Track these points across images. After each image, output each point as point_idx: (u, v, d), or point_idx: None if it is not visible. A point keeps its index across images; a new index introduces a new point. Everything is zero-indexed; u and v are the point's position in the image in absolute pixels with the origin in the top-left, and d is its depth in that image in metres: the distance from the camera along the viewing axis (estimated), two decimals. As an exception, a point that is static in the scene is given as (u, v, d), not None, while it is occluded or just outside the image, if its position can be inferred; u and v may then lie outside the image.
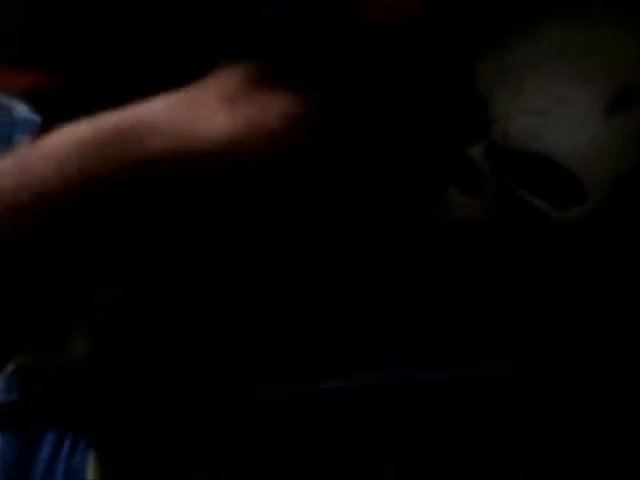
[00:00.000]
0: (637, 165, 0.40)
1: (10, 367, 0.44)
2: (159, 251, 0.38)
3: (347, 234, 0.44)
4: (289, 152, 0.39)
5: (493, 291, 0.44)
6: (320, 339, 0.45)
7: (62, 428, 0.50)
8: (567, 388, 0.42)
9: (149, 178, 0.35)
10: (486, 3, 0.43)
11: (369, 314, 0.45)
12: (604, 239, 0.41)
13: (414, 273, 0.45)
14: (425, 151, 0.43)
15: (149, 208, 0.36)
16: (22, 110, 0.49)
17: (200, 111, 0.37)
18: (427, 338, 0.44)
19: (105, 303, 0.42)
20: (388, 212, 0.44)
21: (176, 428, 0.46)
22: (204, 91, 0.38)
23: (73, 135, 0.36)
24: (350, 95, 0.41)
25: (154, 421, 0.45)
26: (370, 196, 0.44)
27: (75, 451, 0.54)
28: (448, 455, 0.44)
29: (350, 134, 0.42)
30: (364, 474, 0.44)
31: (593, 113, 0.40)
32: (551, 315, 0.43)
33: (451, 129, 0.43)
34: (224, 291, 0.43)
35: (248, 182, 0.37)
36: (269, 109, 0.38)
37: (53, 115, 0.47)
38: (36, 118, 0.47)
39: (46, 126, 0.48)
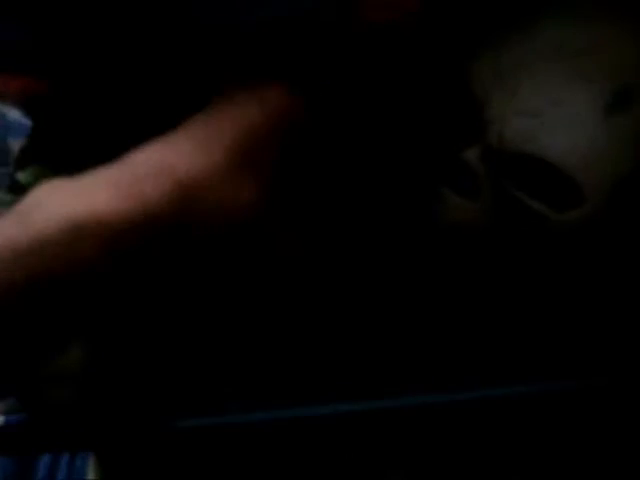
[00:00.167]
0: (637, 167, 0.39)
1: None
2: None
3: (342, 239, 0.43)
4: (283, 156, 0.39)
5: (491, 294, 0.43)
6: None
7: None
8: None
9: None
10: (482, 2, 0.42)
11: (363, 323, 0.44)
12: (603, 242, 0.40)
13: (412, 277, 0.44)
14: (420, 153, 0.43)
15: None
16: (15, 115, 0.49)
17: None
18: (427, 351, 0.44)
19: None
20: (384, 215, 0.44)
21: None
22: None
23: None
24: (345, 95, 0.41)
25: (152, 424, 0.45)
26: (365, 199, 0.43)
27: (76, 453, 0.54)
28: (453, 467, 0.44)
29: (344, 135, 0.41)
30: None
31: (591, 114, 0.39)
32: (548, 317, 0.43)
33: (446, 131, 0.42)
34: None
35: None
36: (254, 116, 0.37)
37: (45, 119, 0.47)
38: (28, 122, 0.47)
39: (38, 130, 0.48)
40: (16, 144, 0.50)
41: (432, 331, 0.45)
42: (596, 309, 0.42)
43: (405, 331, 0.45)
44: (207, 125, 0.37)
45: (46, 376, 0.43)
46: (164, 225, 0.35)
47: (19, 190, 0.46)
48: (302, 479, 0.45)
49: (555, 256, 0.41)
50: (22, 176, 0.47)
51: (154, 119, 0.44)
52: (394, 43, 0.42)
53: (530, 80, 0.40)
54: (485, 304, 0.43)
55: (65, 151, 0.47)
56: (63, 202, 0.34)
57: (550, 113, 0.39)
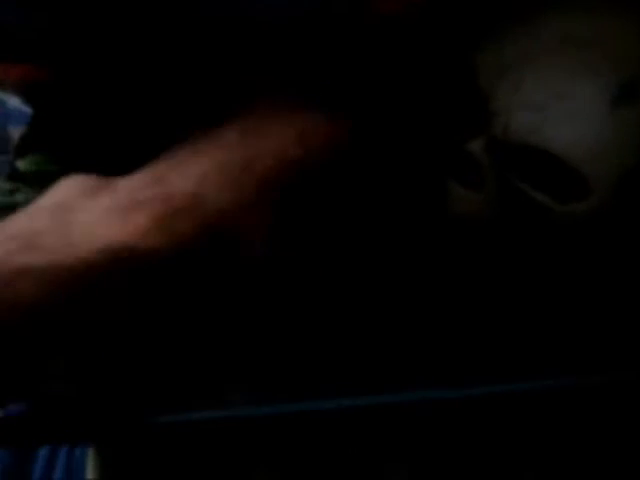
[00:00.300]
0: (643, 159, 0.39)
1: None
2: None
3: (346, 231, 0.43)
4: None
5: (495, 286, 0.43)
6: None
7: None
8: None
9: None
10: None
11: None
12: (609, 234, 0.40)
13: (416, 269, 0.44)
14: (425, 145, 0.42)
15: None
16: (15, 102, 0.49)
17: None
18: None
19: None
20: (390, 207, 0.43)
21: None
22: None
23: None
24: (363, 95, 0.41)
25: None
26: (370, 191, 0.43)
27: (75, 447, 0.54)
28: (456, 463, 0.43)
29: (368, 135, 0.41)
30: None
31: (597, 106, 0.39)
32: (553, 310, 0.43)
33: (451, 123, 0.42)
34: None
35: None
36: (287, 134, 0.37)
37: (46, 107, 0.47)
38: (28, 110, 0.47)
39: (38, 118, 0.48)
40: (16, 132, 0.49)
41: (437, 324, 0.44)
42: (601, 302, 0.41)
43: (410, 324, 0.45)
44: (240, 153, 0.37)
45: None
46: (190, 259, 0.35)
47: (19, 178, 0.46)
48: (303, 475, 0.45)
49: (560, 248, 0.40)
50: (22, 164, 0.47)
51: (157, 106, 0.44)
52: (401, 35, 0.41)
53: (535, 72, 0.40)
54: (489, 297, 0.43)
55: (66, 139, 0.46)
56: (102, 223, 0.34)
57: (555, 105, 0.39)
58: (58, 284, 0.32)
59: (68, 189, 0.35)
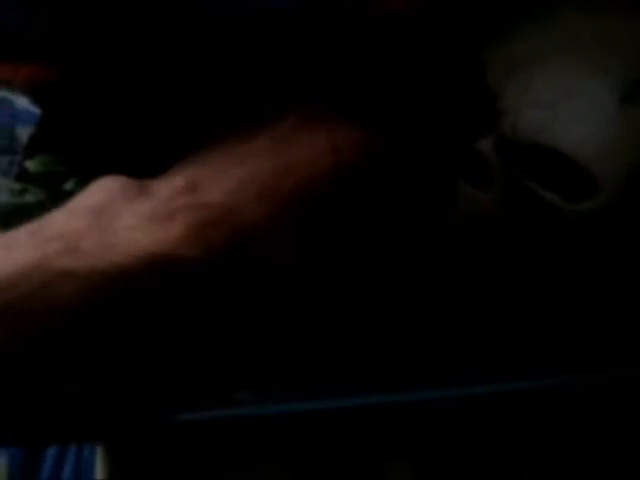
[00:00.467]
0: (652, 157, 0.39)
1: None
2: None
3: (354, 230, 0.43)
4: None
5: (504, 285, 0.43)
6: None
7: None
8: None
9: None
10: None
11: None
12: (617, 233, 0.40)
13: (424, 268, 0.44)
14: (435, 144, 0.42)
15: None
16: (23, 102, 0.49)
17: None
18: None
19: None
20: (398, 206, 0.43)
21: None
22: None
23: None
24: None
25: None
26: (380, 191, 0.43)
27: (83, 446, 0.54)
28: (456, 462, 0.43)
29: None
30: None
31: (606, 105, 0.39)
32: (563, 308, 0.43)
33: (460, 122, 0.42)
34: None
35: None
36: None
37: (54, 108, 0.47)
38: (37, 111, 0.47)
39: (47, 118, 0.48)
40: (24, 132, 0.49)
41: (442, 323, 0.44)
42: (610, 300, 0.41)
43: (413, 323, 0.45)
44: (272, 161, 0.37)
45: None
46: (223, 269, 0.35)
47: (27, 178, 0.46)
48: (306, 473, 0.45)
49: (569, 247, 0.40)
50: (31, 164, 0.47)
51: (166, 106, 0.44)
52: (407, 33, 0.41)
53: (544, 71, 0.40)
54: (498, 295, 0.43)
55: (74, 139, 0.46)
56: (140, 230, 0.34)
57: (564, 104, 0.39)
58: (98, 289, 0.33)
59: (105, 191, 0.36)
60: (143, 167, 0.39)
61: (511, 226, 0.41)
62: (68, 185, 0.46)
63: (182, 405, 0.39)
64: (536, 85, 0.40)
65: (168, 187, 0.36)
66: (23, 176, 0.47)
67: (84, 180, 0.45)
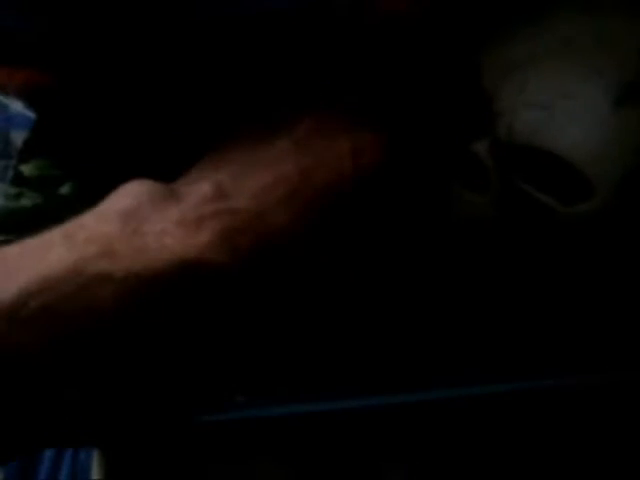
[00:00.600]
0: (646, 160, 0.39)
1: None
2: None
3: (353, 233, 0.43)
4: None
5: (500, 288, 0.43)
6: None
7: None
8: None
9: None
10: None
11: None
12: (612, 235, 0.40)
13: (420, 271, 0.44)
14: (431, 146, 0.42)
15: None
16: (17, 107, 0.49)
17: None
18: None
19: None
20: (394, 209, 0.44)
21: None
22: None
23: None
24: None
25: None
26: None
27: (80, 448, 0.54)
28: (454, 463, 0.44)
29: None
30: None
31: (601, 107, 0.39)
32: (558, 310, 0.43)
33: (455, 124, 0.42)
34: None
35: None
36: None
37: (49, 112, 0.47)
38: (32, 115, 0.47)
39: (42, 122, 0.48)
40: (19, 136, 0.49)
41: (439, 325, 0.45)
42: (604, 302, 0.42)
43: (411, 325, 0.45)
44: (295, 164, 0.38)
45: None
46: (251, 273, 0.36)
47: (23, 182, 0.46)
48: (302, 475, 0.45)
49: (564, 249, 0.41)
50: (26, 169, 0.47)
51: (163, 110, 0.44)
52: (404, 35, 0.41)
53: (539, 73, 0.40)
54: (493, 298, 0.43)
55: (70, 143, 0.46)
56: (170, 235, 0.35)
57: (559, 106, 0.39)
58: (133, 292, 0.33)
59: (133, 195, 0.36)
60: (141, 170, 0.39)
61: (507, 228, 0.41)
62: (64, 189, 0.46)
63: (195, 407, 0.40)
64: (531, 87, 0.40)
65: (195, 193, 0.36)
66: (18, 180, 0.46)
67: (80, 184, 0.45)
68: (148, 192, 0.36)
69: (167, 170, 0.39)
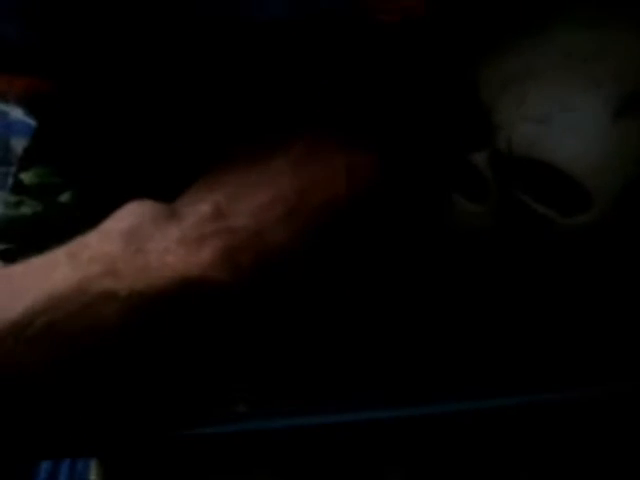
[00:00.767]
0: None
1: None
2: None
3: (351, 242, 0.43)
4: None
5: (498, 299, 0.43)
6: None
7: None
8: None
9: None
10: (490, 7, 0.42)
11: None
12: (611, 246, 0.40)
13: (420, 281, 0.44)
14: (429, 158, 0.42)
15: None
16: (18, 114, 0.49)
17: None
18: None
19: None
20: (393, 219, 0.44)
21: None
22: None
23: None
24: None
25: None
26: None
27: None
28: (452, 466, 0.44)
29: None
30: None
31: (600, 119, 0.39)
32: (555, 322, 0.43)
33: (454, 136, 0.42)
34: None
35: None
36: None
37: (49, 119, 0.47)
38: (32, 122, 0.47)
39: (42, 130, 0.48)
40: (19, 144, 0.49)
41: (438, 336, 0.45)
42: (603, 313, 0.42)
43: (411, 336, 0.45)
44: (292, 183, 0.38)
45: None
46: (251, 291, 0.36)
47: (23, 190, 0.46)
48: (304, 477, 0.45)
49: (562, 260, 0.41)
50: (26, 176, 0.47)
51: (163, 118, 0.44)
52: (401, 47, 0.42)
53: (538, 85, 0.40)
54: (492, 308, 0.43)
55: (70, 151, 0.46)
56: (172, 254, 0.35)
57: (558, 118, 0.39)
58: (137, 310, 0.34)
59: (135, 215, 0.36)
60: (140, 179, 0.39)
61: (505, 239, 0.42)
62: (64, 197, 0.46)
63: (197, 419, 0.40)
64: (530, 100, 0.40)
65: (195, 213, 0.37)
66: (18, 188, 0.47)
67: (80, 192, 0.45)
68: (150, 212, 0.36)
69: (166, 179, 0.39)
